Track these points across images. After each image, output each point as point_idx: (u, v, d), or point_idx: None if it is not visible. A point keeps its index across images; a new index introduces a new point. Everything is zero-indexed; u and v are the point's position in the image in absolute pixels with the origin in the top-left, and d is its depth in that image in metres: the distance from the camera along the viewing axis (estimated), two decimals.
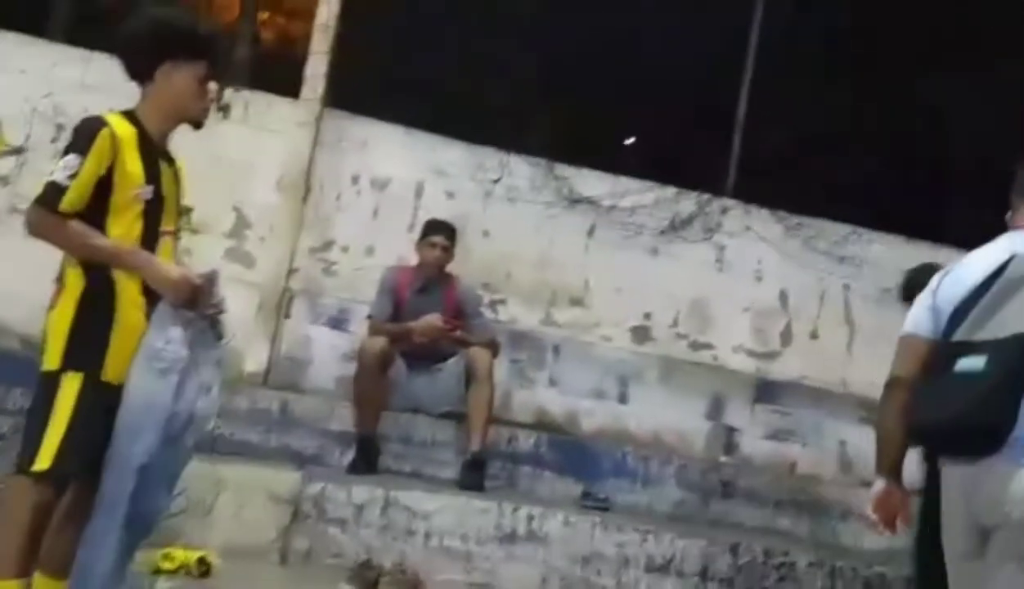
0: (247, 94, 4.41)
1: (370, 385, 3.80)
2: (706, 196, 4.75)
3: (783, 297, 4.76)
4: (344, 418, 3.87)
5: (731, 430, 4.65)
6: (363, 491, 3.38)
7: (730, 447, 4.63)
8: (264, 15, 5.60)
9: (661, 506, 4.07)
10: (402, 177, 4.53)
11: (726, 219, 4.75)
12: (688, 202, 4.73)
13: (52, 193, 2.10)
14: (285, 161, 4.39)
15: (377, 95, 4.91)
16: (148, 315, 2.20)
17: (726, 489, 4.16)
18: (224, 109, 4.33)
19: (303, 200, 4.40)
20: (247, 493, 3.21)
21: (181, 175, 2.40)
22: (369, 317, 4.09)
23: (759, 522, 4.12)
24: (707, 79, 5.19)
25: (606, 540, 3.47)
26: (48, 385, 2.15)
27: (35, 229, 2.15)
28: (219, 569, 2.86)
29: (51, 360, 2.16)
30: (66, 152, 2.14)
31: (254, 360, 4.26)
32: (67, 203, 2.10)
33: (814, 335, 4.76)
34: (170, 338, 2.16)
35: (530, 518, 3.46)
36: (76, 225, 2.13)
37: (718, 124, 4.96)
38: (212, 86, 2.33)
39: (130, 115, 2.26)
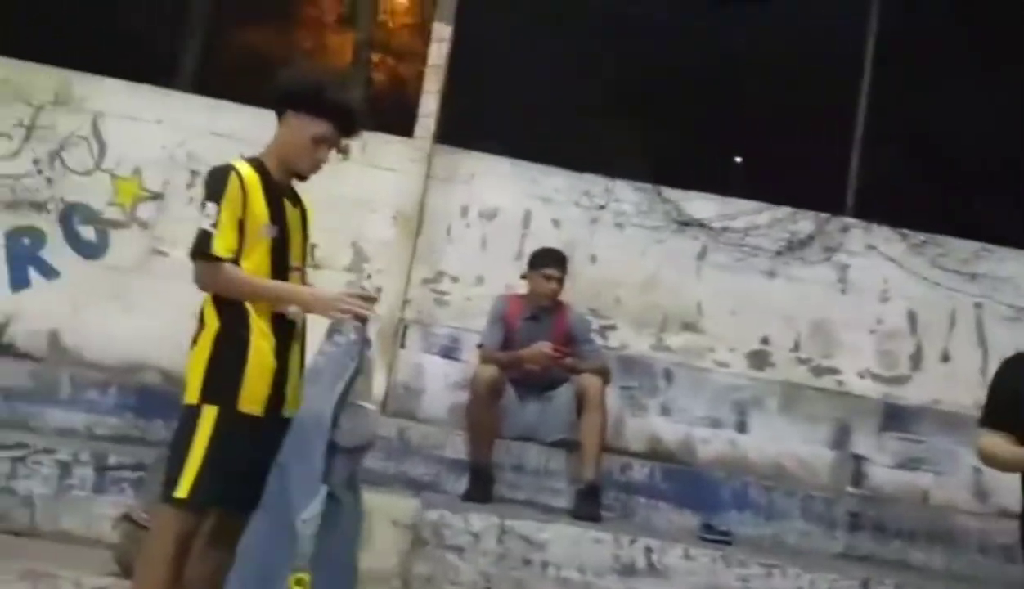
0: (364, 135, 4.58)
1: (483, 413, 3.85)
2: (825, 215, 4.60)
3: (911, 318, 4.53)
4: (458, 446, 3.94)
5: (858, 459, 4.44)
6: (479, 519, 3.41)
7: (857, 477, 4.42)
8: (376, 57, 5.85)
9: (786, 539, 3.92)
10: (509, 207, 4.61)
11: (847, 238, 4.57)
12: (806, 222, 4.58)
13: (205, 241, 2.26)
14: (399, 197, 4.54)
15: (484, 129, 5.02)
16: (276, 349, 2.32)
17: (854, 521, 3.97)
18: (344, 151, 4.53)
19: (416, 233, 4.53)
20: (370, 518, 3.28)
21: (308, 215, 2.54)
22: (480, 346, 4.15)
23: (890, 555, 3.91)
24: (822, 93, 5.03)
25: (729, 574, 3.37)
26: (188, 418, 2.30)
27: (202, 280, 2.31)
28: None
29: (191, 395, 2.31)
30: (206, 200, 2.30)
31: (373, 389, 4.39)
32: (220, 248, 2.26)
33: (945, 357, 4.50)
34: (327, 353, 2.26)
35: (648, 550, 3.40)
36: (235, 269, 2.28)
37: (835, 140, 4.79)
38: (327, 148, 2.42)
39: (255, 161, 2.41)
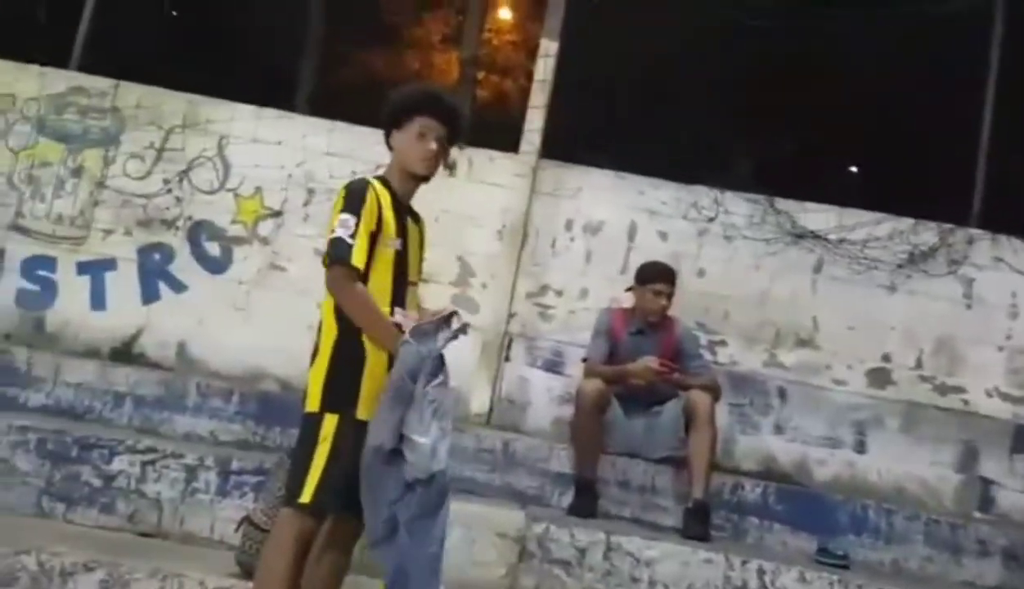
0: (470, 151, 4.70)
1: (587, 427, 3.82)
2: (949, 226, 4.38)
3: None
4: (562, 459, 3.92)
5: (986, 482, 4.19)
6: (585, 534, 3.39)
7: (985, 502, 4.17)
8: (481, 75, 5.95)
9: (908, 565, 3.72)
10: (614, 220, 4.59)
11: (973, 250, 4.34)
12: (928, 233, 4.37)
13: (343, 249, 2.34)
14: (505, 211, 4.60)
15: (589, 143, 5.02)
16: (390, 358, 2.37)
17: (982, 548, 3.73)
18: (451, 167, 4.64)
19: (520, 247, 4.57)
20: (477, 529, 3.33)
21: (424, 232, 2.62)
22: (585, 359, 4.13)
23: (1021, 585, 3.65)
24: (946, 99, 4.80)
25: None
26: (310, 426, 2.38)
27: (336, 286, 2.38)
28: None
29: (312, 403, 2.40)
30: (343, 211, 2.38)
31: (478, 401, 4.45)
32: (356, 259, 2.34)
33: None
34: (403, 374, 2.30)
35: (761, 572, 3.29)
36: (365, 291, 2.36)
37: (960, 148, 4.55)
38: (432, 138, 2.48)
39: (381, 179, 2.53)
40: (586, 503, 3.71)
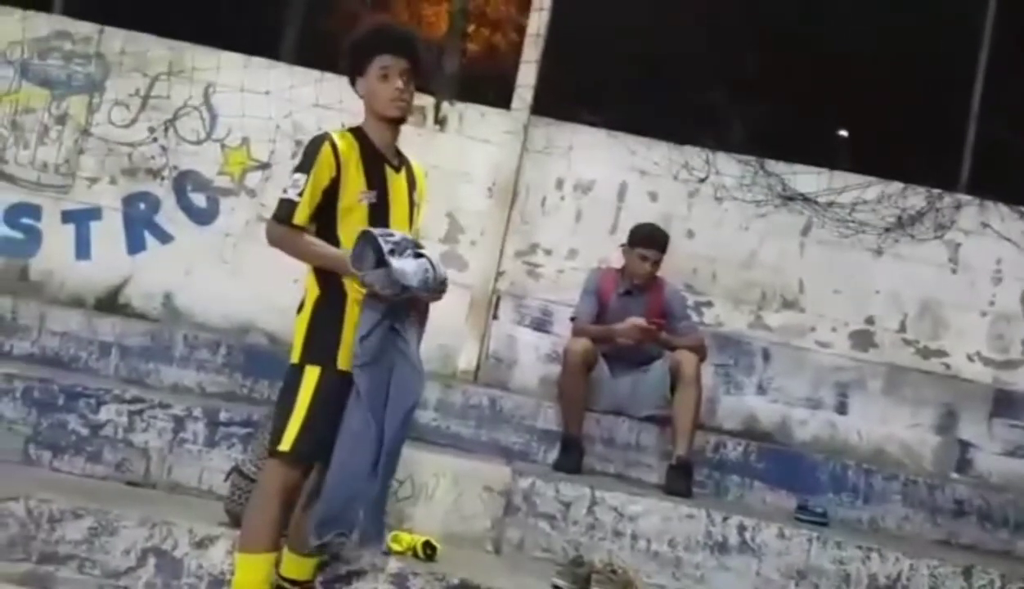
0: (461, 106, 4.64)
1: (574, 386, 3.85)
2: (937, 191, 4.39)
3: None
4: (549, 417, 3.96)
5: (965, 445, 4.27)
6: (570, 489, 3.44)
7: (963, 463, 4.26)
8: (471, 28, 5.86)
9: (885, 524, 3.81)
10: (605, 180, 4.57)
11: (960, 216, 4.36)
12: (917, 198, 4.39)
13: (287, 208, 2.38)
14: (495, 168, 4.56)
15: (581, 100, 4.98)
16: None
17: (958, 508, 3.82)
18: (440, 122, 4.59)
19: (510, 205, 4.55)
20: (463, 483, 3.37)
21: (418, 181, 2.58)
22: (573, 319, 4.15)
23: (996, 545, 3.77)
24: (937, 65, 4.78)
25: (824, 556, 3.30)
26: (292, 377, 2.42)
27: (273, 241, 2.44)
28: (441, 554, 3.02)
29: (295, 355, 2.43)
30: (296, 171, 2.40)
31: (466, 358, 4.47)
32: (299, 218, 2.37)
33: None
34: (365, 333, 2.34)
35: (742, 528, 3.36)
36: (307, 237, 2.39)
37: (950, 113, 4.56)
38: (395, 76, 2.43)
39: (356, 130, 2.49)
40: (572, 459, 3.76)
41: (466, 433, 3.96)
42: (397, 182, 2.50)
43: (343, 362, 2.37)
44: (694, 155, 4.54)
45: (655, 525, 3.38)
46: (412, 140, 4.48)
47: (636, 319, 3.87)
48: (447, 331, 4.46)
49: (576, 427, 3.84)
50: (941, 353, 4.34)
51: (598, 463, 3.90)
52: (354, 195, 2.40)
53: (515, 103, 4.54)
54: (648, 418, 3.93)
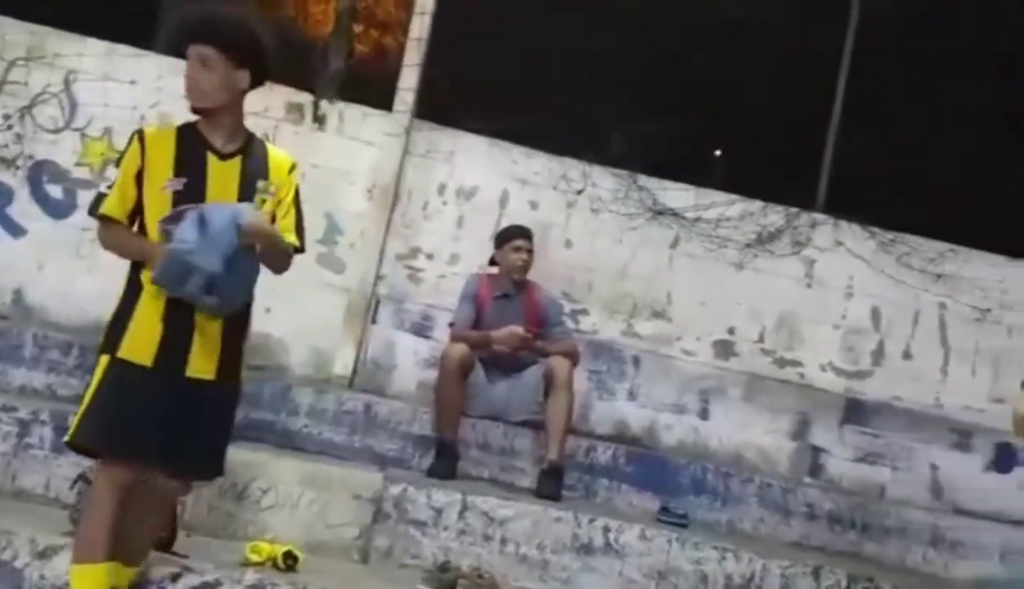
0: (341, 106, 4.58)
1: (450, 391, 3.86)
2: (795, 210, 4.65)
3: (875, 315, 4.62)
4: (425, 422, 3.96)
5: (817, 450, 4.52)
6: (442, 495, 3.44)
7: (815, 468, 4.51)
8: (359, 28, 5.79)
9: (741, 525, 3.99)
10: (487, 187, 4.61)
11: (816, 233, 4.64)
12: (776, 216, 4.64)
13: (96, 200, 2.40)
14: (375, 170, 4.52)
15: (464, 107, 5.00)
16: (170, 304, 2.34)
17: (810, 511, 4.05)
18: (320, 120, 4.51)
19: (391, 208, 4.52)
20: (332, 491, 3.31)
21: (275, 172, 2.47)
22: (451, 324, 4.16)
23: (844, 546, 4.00)
24: (798, 90, 5.07)
25: (683, 557, 3.43)
26: (93, 368, 2.40)
27: (98, 238, 2.46)
28: (303, 564, 2.96)
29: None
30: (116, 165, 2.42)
31: (341, 363, 4.40)
32: (107, 208, 2.37)
33: (907, 355, 4.60)
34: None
35: (606, 530, 3.45)
36: (116, 228, 2.38)
37: (810, 137, 4.84)
38: (192, 64, 2.42)
39: (188, 122, 2.46)
40: (446, 465, 3.76)
41: (338, 440, 3.90)
42: (222, 171, 2.41)
43: (127, 351, 2.33)
44: (572, 167, 4.65)
45: (525, 528, 3.43)
46: (289, 138, 4.43)
47: (514, 327, 3.92)
48: (322, 335, 4.40)
49: (451, 432, 3.85)
50: (796, 363, 4.59)
51: (473, 468, 3.92)
52: (158, 185, 2.36)
53: (397, 106, 4.52)
54: (523, 423, 3.98)
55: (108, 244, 2.44)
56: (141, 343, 2.33)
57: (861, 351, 4.60)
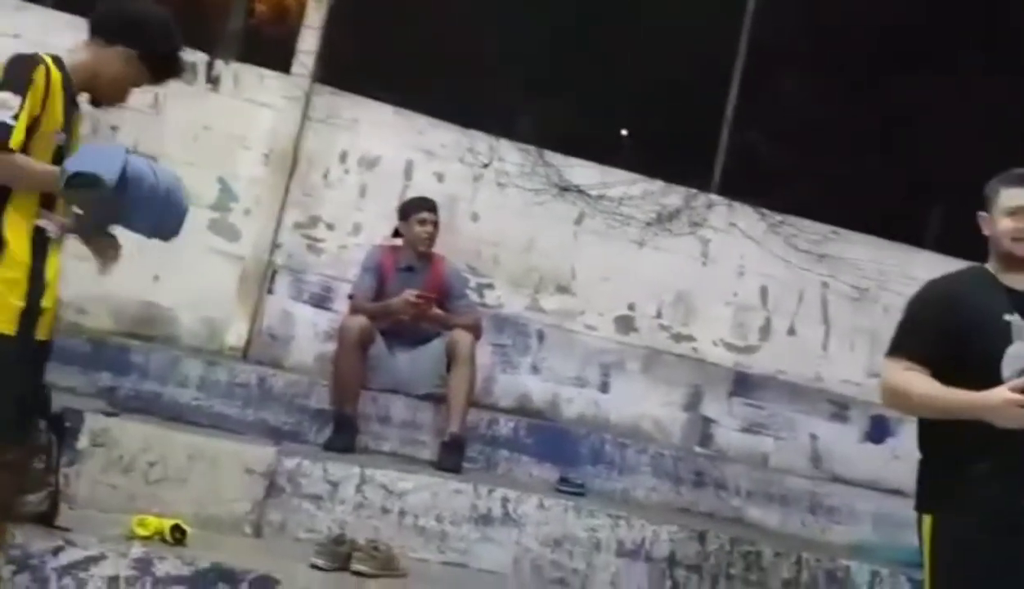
0: (237, 66, 4.38)
1: (349, 363, 3.80)
2: (693, 191, 4.78)
3: (763, 293, 4.81)
4: (323, 396, 3.88)
5: (708, 421, 4.70)
6: (339, 468, 3.39)
7: (705, 438, 4.68)
8: None
9: (635, 493, 4.12)
10: (391, 157, 4.52)
11: (711, 214, 4.77)
12: (675, 196, 4.75)
13: (4, 132, 2.10)
14: (273, 135, 4.36)
15: (368, 73, 4.88)
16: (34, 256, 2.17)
17: (698, 478, 4.21)
18: (214, 81, 4.31)
19: (290, 175, 4.38)
20: (223, 465, 3.21)
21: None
22: (351, 296, 4.09)
23: (729, 512, 4.18)
24: (698, 73, 5.20)
25: (578, 524, 3.51)
26: None
27: None
28: (193, 538, 2.86)
29: None
30: (1, 88, 2.13)
31: (235, 334, 4.25)
32: (15, 142, 2.11)
33: (792, 331, 4.82)
34: None
35: (505, 500, 3.49)
36: (28, 159, 2.15)
37: (707, 119, 4.98)
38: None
39: (57, 60, 2.25)
40: (344, 438, 3.70)
41: (231, 413, 3.78)
42: (77, 124, 2.32)
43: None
44: (479, 139, 4.61)
45: (423, 500, 3.42)
46: (180, 98, 4.21)
47: (407, 292, 3.88)
48: (215, 304, 4.23)
49: (351, 406, 3.79)
50: (690, 338, 4.73)
51: (372, 441, 3.88)
52: (50, 132, 2.19)
53: (296, 69, 4.36)
54: (425, 396, 3.97)
55: (14, 175, 2.14)
56: (5, 309, 2.12)
57: (750, 327, 4.77)
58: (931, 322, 2.26)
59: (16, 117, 2.10)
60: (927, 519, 2.23)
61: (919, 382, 2.19)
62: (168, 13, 2.40)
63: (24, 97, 2.11)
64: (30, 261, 2.15)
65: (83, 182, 2.12)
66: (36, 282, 2.16)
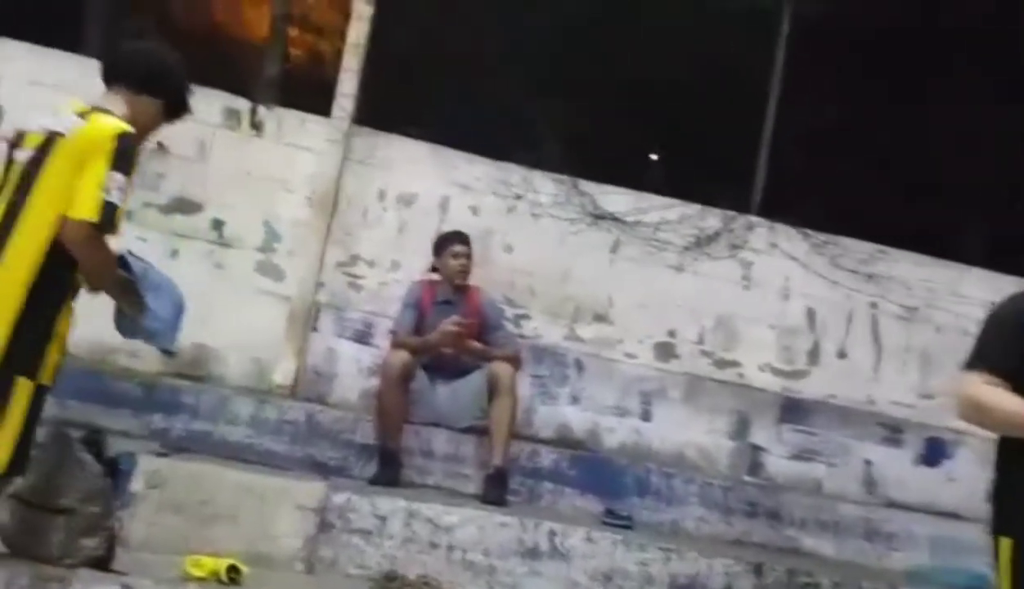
0: (280, 111, 4.51)
1: (392, 398, 3.84)
2: (731, 213, 4.74)
3: (810, 315, 4.73)
4: (367, 431, 3.92)
5: (756, 449, 4.61)
6: (386, 503, 3.41)
7: (755, 466, 4.59)
8: (294, 32, 5.71)
9: (684, 525, 4.05)
10: (427, 193, 4.59)
11: (752, 236, 4.73)
12: (713, 219, 4.72)
13: (114, 216, 2.16)
14: (315, 177, 4.46)
15: (404, 112, 4.97)
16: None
17: (750, 509, 4.13)
18: (257, 126, 4.44)
19: (331, 215, 4.47)
20: (274, 502, 3.25)
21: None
22: (393, 332, 4.13)
23: (783, 542, 4.09)
24: (734, 95, 5.18)
25: (628, 558, 3.46)
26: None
27: (95, 255, 2.21)
28: (247, 577, 2.89)
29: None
30: (114, 169, 2.18)
31: (282, 372, 4.32)
32: (120, 226, 2.22)
33: (841, 354, 4.72)
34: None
35: (552, 534, 3.46)
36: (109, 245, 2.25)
37: (745, 140, 4.94)
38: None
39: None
40: (389, 473, 3.73)
41: (280, 449, 3.83)
42: None
43: (45, 376, 2.23)
44: (513, 172, 4.65)
45: (471, 534, 3.42)
46: (226, 144, 4.35)
47: (445, 322, 3.90)
48: (263, 344, 4.31)
49: (394, 440, 3.82)
50: (735, 364, 4.66)
51: (417, 475, 3.89)
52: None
53: (336, 112, 4.47)
54: (467, 429, 3.98)
55: (103, 262, 2.24)
56: (53, 363, 2.23)
57: (797, 351, 4.69)
58: (1013, 336, 2.13)
59: (124, 201, 2.20)
60: (1005, 542, 2.09)
61: (1002, 397, 2.05)
62: (178, 55, 2.45)
63: (129, 180, 2.20)
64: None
65: (150, 337, 2.39)
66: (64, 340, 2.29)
